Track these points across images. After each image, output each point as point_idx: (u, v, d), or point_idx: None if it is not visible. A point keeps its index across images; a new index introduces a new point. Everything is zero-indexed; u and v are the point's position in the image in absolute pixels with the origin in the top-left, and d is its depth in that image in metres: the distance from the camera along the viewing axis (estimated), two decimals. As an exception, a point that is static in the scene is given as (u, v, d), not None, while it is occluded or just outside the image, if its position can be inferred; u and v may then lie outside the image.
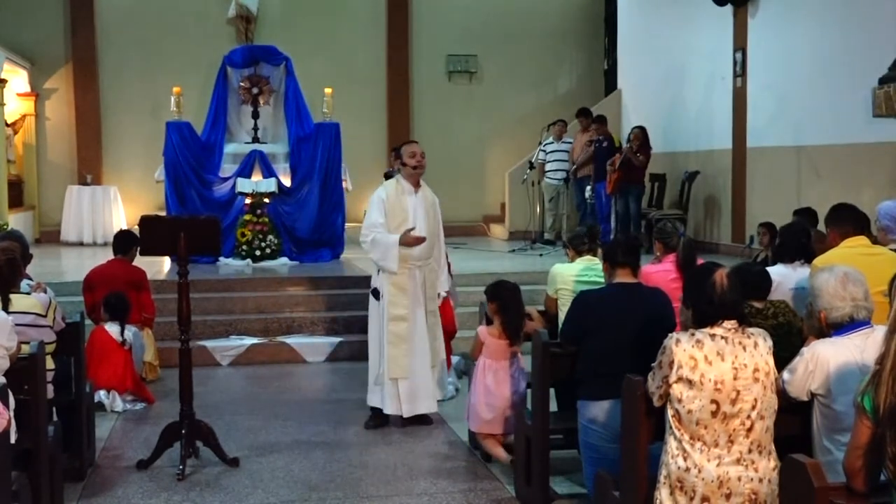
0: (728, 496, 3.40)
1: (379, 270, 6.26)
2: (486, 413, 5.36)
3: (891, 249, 5.07)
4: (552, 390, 5.07)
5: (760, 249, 8.61)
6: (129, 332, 7.14)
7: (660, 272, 5.39)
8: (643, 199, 12.32)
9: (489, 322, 5.53)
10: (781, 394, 3.57)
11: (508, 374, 5.38)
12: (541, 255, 11.72)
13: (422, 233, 6.16)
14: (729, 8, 11.70)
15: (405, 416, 6.23)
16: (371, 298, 6.38)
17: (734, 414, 3.40)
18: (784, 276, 5.09)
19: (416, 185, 6.32)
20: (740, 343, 3.46)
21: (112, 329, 7.00)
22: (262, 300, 9.19)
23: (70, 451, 5.22)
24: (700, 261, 5.28)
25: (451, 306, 7.27)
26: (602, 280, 5.07)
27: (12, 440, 3.93)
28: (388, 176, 12.55)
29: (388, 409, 6.25)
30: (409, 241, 6.07)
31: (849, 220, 5.15)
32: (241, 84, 11.41)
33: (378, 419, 6.32)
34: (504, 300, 5.44)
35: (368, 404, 6.40)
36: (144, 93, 14.61)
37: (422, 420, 6.36)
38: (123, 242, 7.69)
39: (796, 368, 3.57)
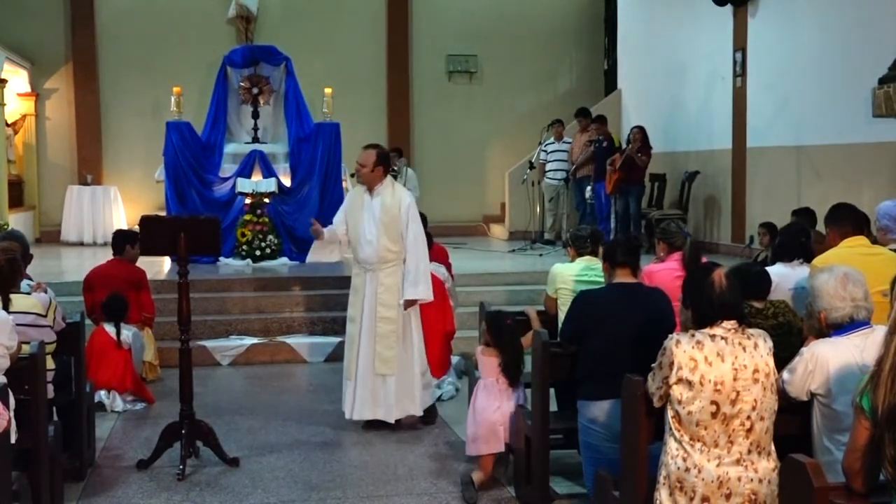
0: (728, 496, 3.40)
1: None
2: (469, 431, 5.21)
3: (890, 249, 5.07)
4: (552, 390, 5.07)
5: (760, 249, 8.61)
6: (129, 332, 7.14)
7: (664, 270, 5.35)
8: (643, 199, 12.32)
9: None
10: (781, 394, 3.57)
11: (498, 388, 5.16)
12: (541, 255, 11.73)
13: (369, 236, 6.15)
14: (729, 8, 11.70)
15: (354, 418, 6.24)
16: None
17: (734, 415, 3.40)
18: (783, 276, 5.08)
19: (371, 188, 6.23)
20: (740, 344, 3.46)
21: (110, 330, 6.99)
22: (262, 300, 9.19)
23: (70, 451, 5.22)
24: (704, 259, 5.30)
25: (451, 306, 7.25)
26: (602, 280, 5.06)
27: (12, 440, 3.93)
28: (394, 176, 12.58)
29: (344, 407, 6.33)
30: (314, 231, 6.38)
31: (848, 220, 5.14)
32: (241, 84, 11.40)
33: (376, 420, 6.29)
34: (502, 341, 5.20)
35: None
36: (144, 93, 14.63)
37: (424, 420, 6.35)
38: (118, 242, 7.70)
39: (796, 368, 3.57)
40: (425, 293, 6.23)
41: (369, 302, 6.20)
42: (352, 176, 11.56)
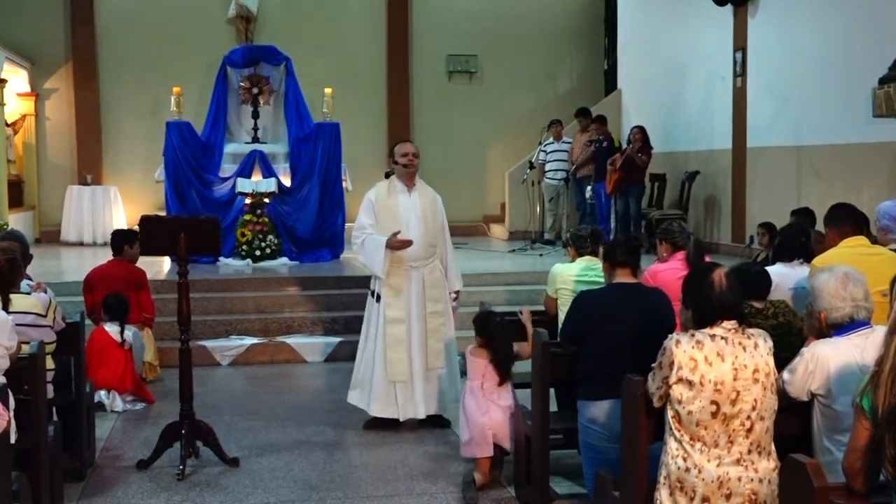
0: (728, 496, 3.40)
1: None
2: (463, 434, 5.21)
3: (891, 249, 5.07)
4: (552, 390, 5.06)
5: (760, 249, 8.60)
6: (129, 332, 7.13)
7: (668, 270, 5.34)
8: (643, 199, 12.32)
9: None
10: (781, 394, 3.57)
11: (484, 392, 5.14)
12: (541, 255, 11.73)
13: (415, 233, 6.09)
14: (729, 8, 11.70)
15: (401, 419, 6.18)
16: (369, 299, 6.33)
17: (734, 414, 3.39)
18: (783, 276, 5.09)
19: (410, 185, 6.24)
20: (740, 343, 3.46)
21: (112, 329, 6.99)
22: (262, 300, 9.19)
23: (70, 451, 5.22)
24: (707, 258, 5.29)
25: (452, 306, 7.24)
26: (602, 280, 5.06)
27: (12, 440, 3.93)
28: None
29: (379, 413, 6.18)
30: (395, 244, 5.99)
31: (847, 220, 5.14)
32: (241, 84, 11.41)
33: (376, 420, 6.26)
34: (492, 339, 5.21)
35: (349, 402, 6.35)
36: (144, 93, 14.64)
37: (442, 423, 6.29)
38: (117, 242, 7.70)
39: (796, 369, 3.57)
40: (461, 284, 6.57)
41: (418, 299, 6.16)
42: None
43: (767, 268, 4.97)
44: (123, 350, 6.97)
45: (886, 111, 8.49)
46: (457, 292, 6.45)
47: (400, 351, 6.13)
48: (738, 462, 3.41)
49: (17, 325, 4.42)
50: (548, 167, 13.23)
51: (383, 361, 6.13)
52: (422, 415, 6.20)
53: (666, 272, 5.32)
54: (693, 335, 3.47)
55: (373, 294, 6.27)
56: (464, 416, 5.19)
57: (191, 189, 10.89)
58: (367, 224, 6.14)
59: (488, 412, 5.11)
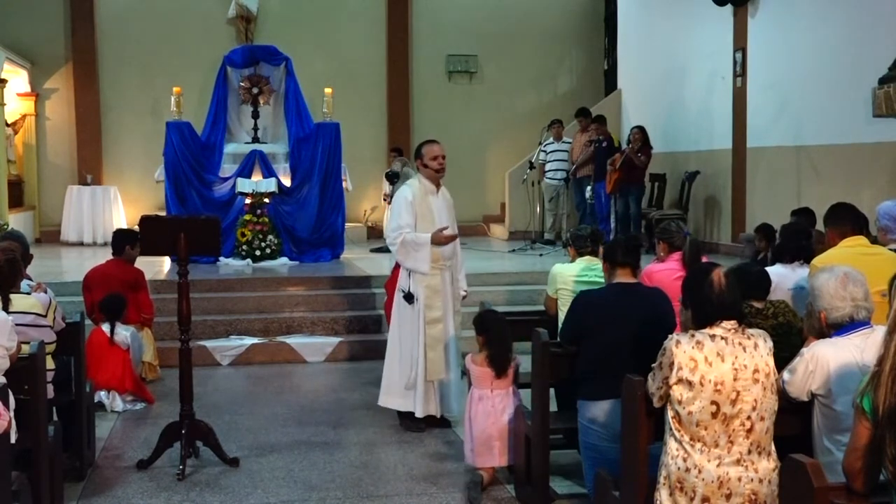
0: (728, 497, 3.40)
1: (410, 273, 6.16)
2: (466, 441, 5.19)
3: (890, 249, 5.07)
4: (552, 390, 5.06)
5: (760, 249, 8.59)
6: (126, 331, 7.12)
7: (664, 271, 5.34)
8: (643, 199, 12.32)
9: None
10: (782, 394, 3.57)
11: (493, 403, 5.11)
12: (541, 255, 11.73)
13: (448, 232, 6.17)
14: (729, 8, 11.70)
15: (438, 416, 6.22)
16: (401, 301, 6.21)
17: (734, 415, 3.39)
18: (783, 276, 5.09)
19: (438, 186, 6.28)
20: (740, 344, 3.46)
21: (105, 329, 6.98)
22: (262, 300, 9.19)
23: (70, 451, 5.22)
24: (704, 258, 5.29)
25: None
26: (602, 280, 5.06)
27: (12, 440, 3.93)
28: (388, 175, 12.59)
29: (421, 412, 6.18)
30: (440, 239, 6.05)
31: (847, 220, 5.14)
32: (241, 84, 11.42)
33: (413, 421, 6.23)
34: (490, 333, 5.21)
35: (397, 410, 6.30)
36: (144, 93, 14.65)
37: (442, 423, 6.30)
38: (116, 242, 7.70)
39: (796, 369, 3.57)
40: None
41: (450, 299, 6.25)
42: (388, 173, 11.54)
43: (767, 268, 4.97)
44: (120, 350, 6.96)
45: (886, 111, 8.48)
46: (466, 292, 6.55)
47: (438, 350, 6.17)
48: (738, 462, 3.41)
49: (17, 325, 4.42)
50: (548, 167, 13.24)
51: (424, 362, 6.14)
52: (453, 410, 6.26)
53: (662, 272, 5.32)
54: (693, 335, 3.47)
55: (407, 296, 6.17)
56: (469, 424, 5.16)
57: (191, 189, 10.89)
58: (406, 224, 6.08)
59: (496, 423, 5.08)
